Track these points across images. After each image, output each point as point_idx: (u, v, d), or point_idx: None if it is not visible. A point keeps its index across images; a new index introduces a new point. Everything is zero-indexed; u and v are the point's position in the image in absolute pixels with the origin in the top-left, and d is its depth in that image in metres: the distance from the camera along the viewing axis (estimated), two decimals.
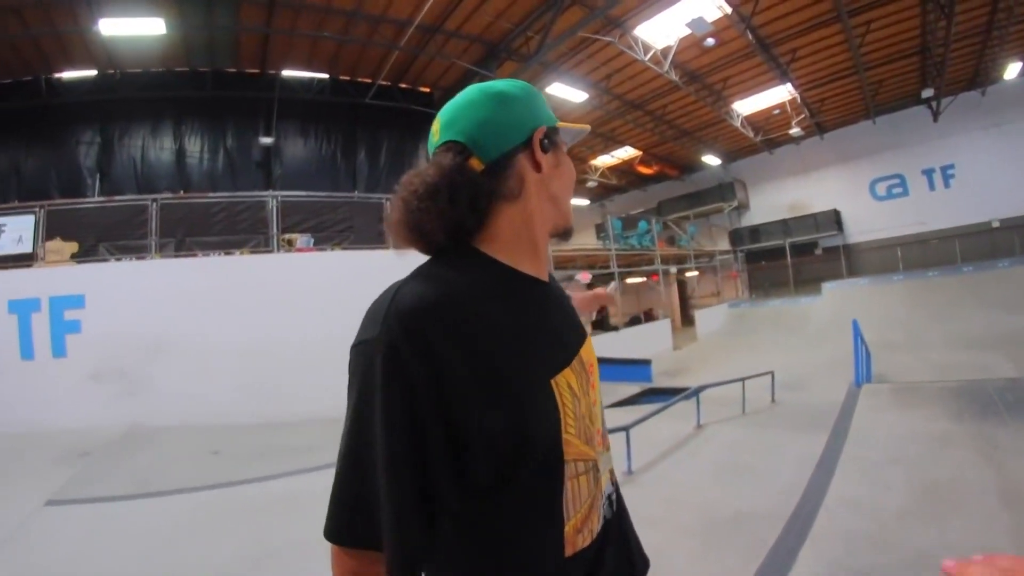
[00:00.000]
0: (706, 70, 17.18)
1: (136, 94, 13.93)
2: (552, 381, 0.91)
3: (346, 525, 0.84)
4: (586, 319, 1.75)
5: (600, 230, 23.83)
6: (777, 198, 25.76)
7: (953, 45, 15.46)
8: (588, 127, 1.15)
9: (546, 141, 1.03)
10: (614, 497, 1.08)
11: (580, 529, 0.94)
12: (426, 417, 0.80)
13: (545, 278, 1.07)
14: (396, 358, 0.80)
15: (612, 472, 1.11)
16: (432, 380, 0.80)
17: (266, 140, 15.07)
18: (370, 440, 0.82)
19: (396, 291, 0.87)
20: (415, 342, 0.80)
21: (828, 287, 20.96)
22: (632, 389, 11.36)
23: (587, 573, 0.96)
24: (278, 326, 9.12)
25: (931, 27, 14.73)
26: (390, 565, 0.81)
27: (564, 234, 1.10)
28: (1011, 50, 16.87)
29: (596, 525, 0.98)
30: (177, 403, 8.86)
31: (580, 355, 1.01)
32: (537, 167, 1.02)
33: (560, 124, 1.07)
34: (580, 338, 1.06)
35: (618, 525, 1.08)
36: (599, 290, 1.93)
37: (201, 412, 8.75)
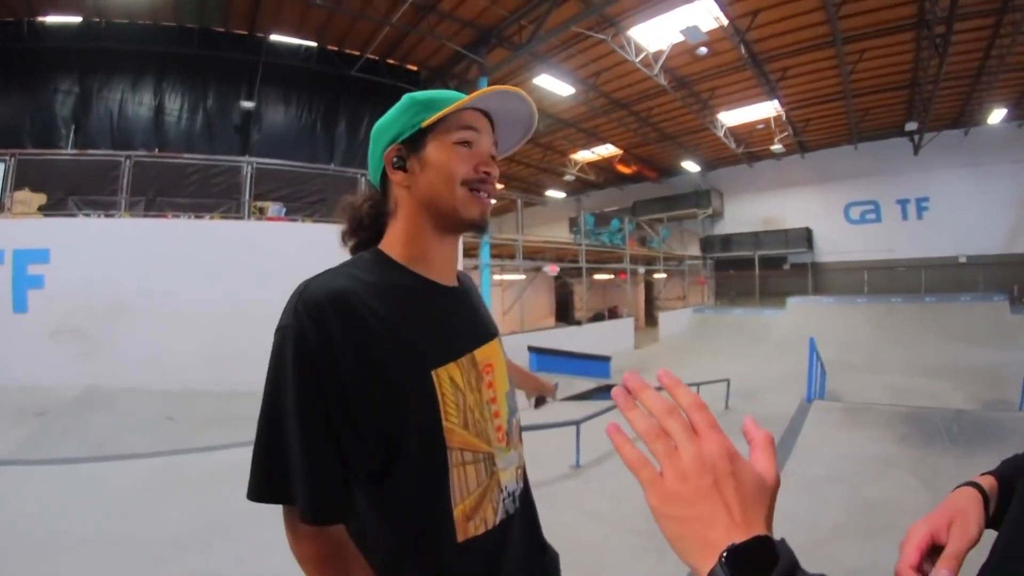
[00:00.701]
0: (695, 78, 17.27)
1: (120, 45, 13.47)
2: (432, 372, 1.01)
3: (266, 483, 0.94)
4: (528, 397, 1.99)
5: (573, 224, 23.91)
6: (752, 210, 26.11)
7: (943, 84, 15.84)
8: (504, 89, 1.13)
9: (396, 159, 1.13)
10: (518, 494, 1.18)
11: (471, 516, 1.05)
12: (327, 390, 0.92)
13: (447, 281, 1.18)
14: (303, 341, 0.92)
15: (520, 471, 1.22)
16: (330, 359, 0.92)
17: (247, 104, 14.74)
18: (285, 408, 0.92)
19: (306, 284, 0.99)
20: (317, 328, 0.93)
21: (793, 302, 21.40)
22: (589, 384, 11.48)
23: (486, 564, 1.08)
24: (244, 294, 9.00)
25: (923, 64, 15.03)
26: (302, 512, 0.91)
27: (468, 227, 1.14)
28: (998, 96, 17.39)
29: (492, 517, 1.09)
30: (137, 366, 8.77)
31: (474, 355, 1.12)
32: (400, 184, 1.14)
33: (442, 113, 1.10)
34: (480, 340, 1.16)
35: (524, 521, 1.20)
36: (547, 383, 2.07)
37: (161, 376, 8.69)
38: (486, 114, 1.18)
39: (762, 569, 0.48)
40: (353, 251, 1.21)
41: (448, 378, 1.04)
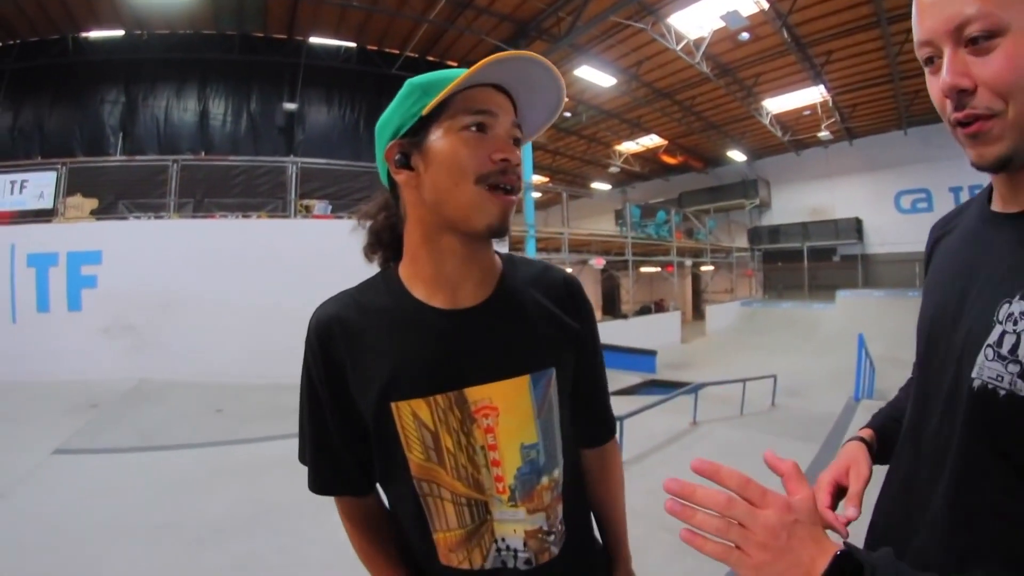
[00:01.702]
0: (738, 64, 16.98)
1: (162, 55, 13.99)
2: (392, 405, 0.97)
3: (301, 455, 1.11)
4: None
5: (619, 216, 23.75)
6: (800, 200, 25.56)
7: None
8: (508, 54, 0.92)
9: (399, 156, 0.99)
10: (526, 558, 1.03)
11: (453, 548, 1.01)
12: (318, 399, 1.03)
13: (464, 301, 1.03)
14: (308, 355, 1.02)
15: (543, 536, 1.04)
16: (318, 377, 1.01)
17: (290, 106, 15.06)
18: (303, 404, 1.06)
19: (317, 309, 1.04)
20: (309, 349, 1.02)
21: (842, 295, 20.88)
22: (634, 379, 11.40)
23: None
24: (290, 290, 9.05)
25: None
26: (308, 482, 1.09)
27: (484, 233, 0.97)
28: None
29: (479, 559, 1.01)
30: (186, 360, 9.06)
31: (463, 393, 0.98)
32: (406, 185, 1.01)
33: (443, 94, 0.93)
34: (481, 378, 0.99)
35: None
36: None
37: (209, 370, 8.93)
38: (504, 91, 1.00)
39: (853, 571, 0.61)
40: (383, 266, 1.12)
41: (411, 413, 0.97)
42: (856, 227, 23.55)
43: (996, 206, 0.87)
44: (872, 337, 8.96)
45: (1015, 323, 0.72)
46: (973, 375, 0.75)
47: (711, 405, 7.77)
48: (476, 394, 0.99)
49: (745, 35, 14.44)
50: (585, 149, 24.92)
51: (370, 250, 1.11)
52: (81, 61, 13.65)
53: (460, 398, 0.98)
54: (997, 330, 0.74)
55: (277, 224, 10.89)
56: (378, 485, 1.12)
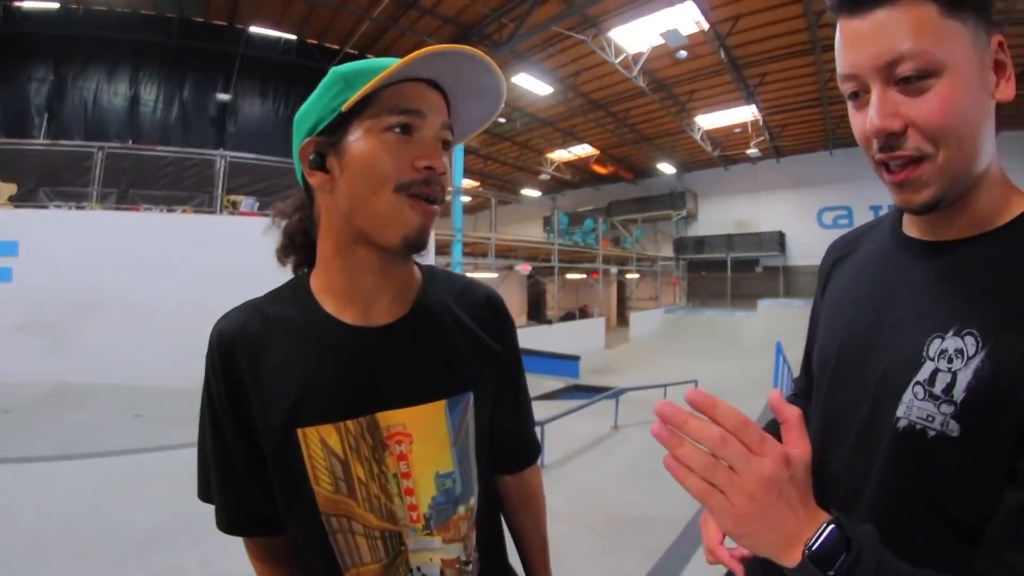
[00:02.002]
0: (674, 81, 17.42)
1: (97, 33, 13.21)
2: (299, 431, 0.88)
3: (202, 486, 0.98)
4: None
5: (547, 223, 24.05)
6: (726, 213, 26.45)
7: None
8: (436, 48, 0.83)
9: (314, 155, 0.90)
10: None
11: None
12: (220, 421, 0.92)
13: (378, 319, 0.95)
14: (209, 373, 0.92)
15: (460, 567, 0.98)
16: (219, 395, 0.91)
17: (223, 96, 14.64)
18: (204, 430, 0.95)
19: (218, 320, 0.94)
20: (211, 363, 0.91)
21: (764, 304, 21.63)
22: (557, 384, 11.57)
23: None
24: (215, 290, 8.77)
25: None
26: (216, 521, 0.96)
27: (401, 247, 0.88)
28: None
29: None
30: (107, 362, 8.64)
31: (375, 418, 0.91)
32: (320, 188, 0.92)
33: (366, 89, 0.83)
34: (396, 402, 0.92)
35: None
36: None
37: (129, 373, 8.56)
38: (437, 87, 0.91)
39: (841, 551, 0.59)
40: (296, 272, 1.03)
41: (319, 440, 0.89)
42: (779, 240, 24.48)
43: (912, 232, 0.85)
44: (791, 345, 9.31)
45: (950, 361, 0.69)
46: (899, 414, 0.73)
47: (633, 409, 7.98)
48: (389, 419, 0.91)
49: (683, 53, 14.88)
50: (518, 155, 25.08)
51: (283, 253, 1.02)
52: (10, 32, 12.65)
53: (372, 423, 0.90)
54: (928, 367, 0.71)
55: (203, 220, 10.53)
56: None
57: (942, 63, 0.67)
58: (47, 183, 10.11)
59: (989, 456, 0.65)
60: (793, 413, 0.67)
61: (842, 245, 1.02)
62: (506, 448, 1.12)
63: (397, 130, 0.85)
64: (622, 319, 26.39)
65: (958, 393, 0.67)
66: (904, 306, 0.78)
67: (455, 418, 0.96)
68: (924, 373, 0.71)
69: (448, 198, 15.59)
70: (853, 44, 0.73)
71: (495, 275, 20.10)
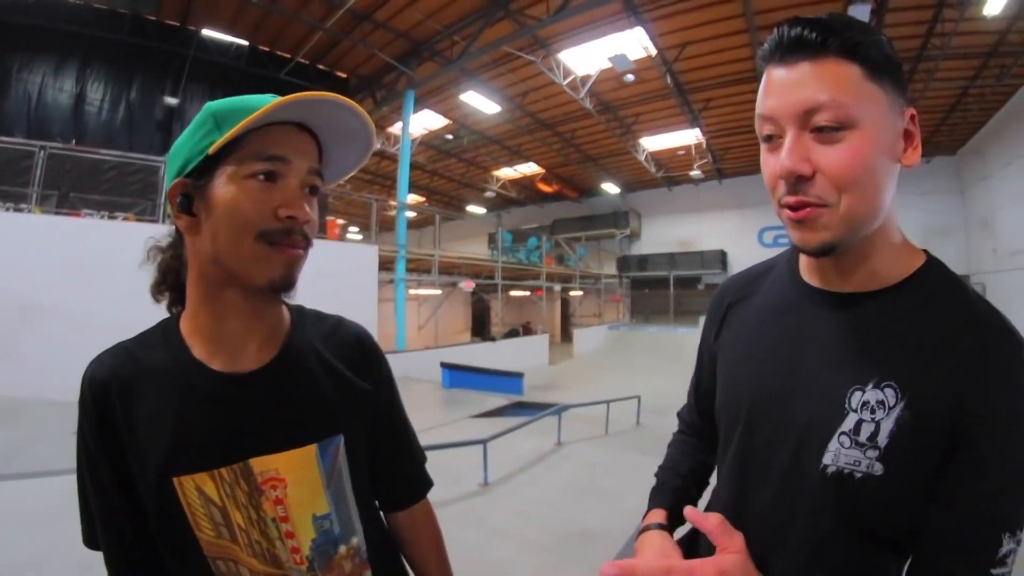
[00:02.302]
0: (620, 103, 17.79)
1: (46, 24, 12.47)
2: (175, 480, 0.86)
3: (86, 536, 0.95)
4: None
5: (491, 240, 24.15)
6: (669, 232, 27.00)
7: None
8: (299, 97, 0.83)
9: (181, 197, 0.87)
10: None
11: None
12: (105, 473, 0.89)
13: (246, 365, 0.94)
14: (83, 421, 0.90)
15: None
16: (101, 444, 0.88)
17: (171, 100, 14.19)
18: (83, 478, 0.92)
19: (89, 365, 0.92)
20: (92, 410, 0.88)
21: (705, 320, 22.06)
22: (501, 401, 11.58)
23: None
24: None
25: None
26: (106, 567, 0.93)
27: (266, 291, 0.88)
28: None
29: None
30: (43, 375, 8.09)
31: (248, 464, 0.90)
32: (186, 231, 0.90)
33: (232, 133, 0.82)
34: (267, 448, 0.91)
35: None
36: None
37: (67, 386, 8.04)
38: (307, 129, 0.91)
39: None
40: (170, 310, 1.01)
41: (195, 488, 0.87)
42: (721, 258, 25.01)
43: (813, 281, 0.90)
44: None
45: (872, 412, 0.76)
46: (827, 461, 0.79)
47: (577, 425, 8.04)
48: (262, 465, 0.90)
49: (630, 77, 15.27)
50: (464, 172, 25.21)
51: (156, 291, 1.00)
52: None
53: (245, 470, 0.89)
54: (852, 418, 0.78)
55: (145, 228, 10.07)
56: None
57: (856, 119, 0.73)
58: None
59: (911, 486, 0.75)
60: (713, 522, 0.80)
61: (737, 288, 1.08)
62: (390, 486, 1.14)
63: (261, 177, 0.84)
64: (566, 336, 26.66)
65: (882, 440, 0.75)
66: (817, 357, 0.84)
67: (327, 461, 0.96)
68: (848, 424, 0.78)
69: (393, 213, 15.64)
70: (777, 90, 0.78)
71: (439, 291, 20.05)
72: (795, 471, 0.83)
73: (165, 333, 0.95)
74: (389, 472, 1.12)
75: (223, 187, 0.84)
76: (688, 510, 0.82)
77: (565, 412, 7.87)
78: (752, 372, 0.93)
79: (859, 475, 0.76)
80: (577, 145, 21.49)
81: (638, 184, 26.76)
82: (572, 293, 26.58)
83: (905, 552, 0.80)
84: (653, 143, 20.92)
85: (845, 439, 0.78)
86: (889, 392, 0.76)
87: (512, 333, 23.53)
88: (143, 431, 0.87)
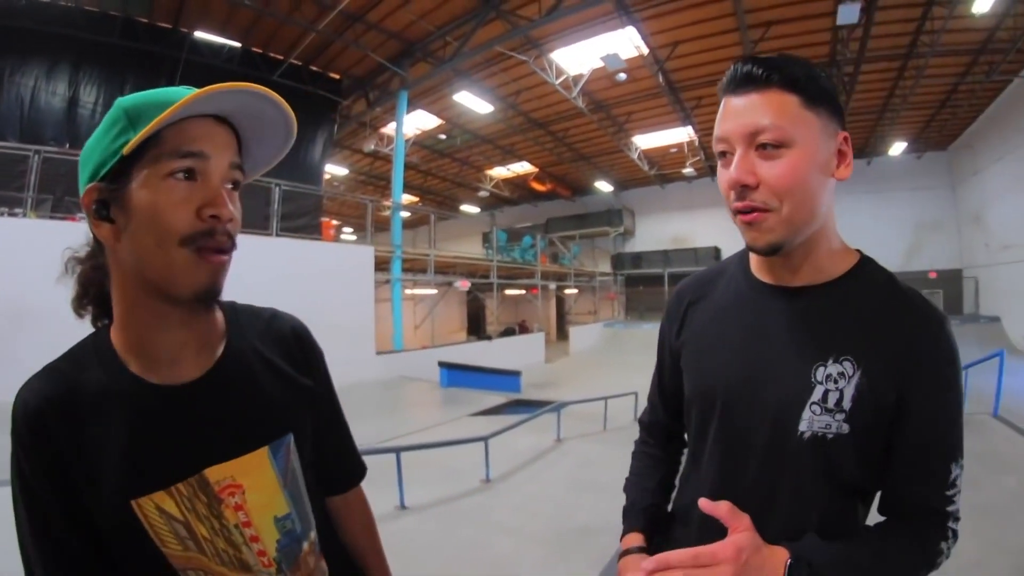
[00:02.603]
0: (613, 102, 17.87)
1: (38, 26, 12.34)
2: (134, 503, 0.83)
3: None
4: None
5: (486, 239, 24.19)
6: (662, 229, 27.09)
7: (849, 118, 17.05)
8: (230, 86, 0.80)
9: (97, 204, 0.82)
10: None
11: None
12: (47, 504, 0.83)
13: (183, 376, 0.90)
14: (19, 453, 0.83)
15: None
16: (43, 475, 0.82)
17: None
18: (20, 516, 0.85)
19: (20, 391, 0.87)
20: (28, 442, 0.83)
21: None
22: (499, 399, 11.63)
23: None
24: None
25: None
26: None
27: (192, 300, 0.84)
28: (899, 131, 19.37)
29: None
30: None
31: (204, 475, 0.87)
32: (105, 240, 0.85)
33: (144, 132, 0.76)
34: (219, 456, 0.89)
35: None
36: None
37: None
38: (226, 121, 0.86)
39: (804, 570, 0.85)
40: (95, 324, 0.97)
41: (155, 508, 0.84)
42: (715, 255, 24.95)
43: (764, 278, 1.04)
44: None
45: (835, 382, 0.92)
46: (802, 428, 0.93)
47: (575, 422, 8.09)
48: (217, 474, 0.88)
49: (622, 76, 15.33)
50: (457, 172, 25.28)
51: (78, 304, 0.96)
52: None
53: (202, 481, 0.87)
54: (819, 389, 0.93)
55: None
56: None
57: (793, 139, 0.89)
58: None
59: (872, 439, 0.93)
60: (723, 509, 0.91)
61: (694, 288, 1.19)
62: (328, 473, 1.12)
63: (180, 175, 0.80)
64: (562, 334, 26.65)
65: (846, 404, 0.91)
66: (779, 342, 0.99)
67: (280, 461, 0.95)
68: (817, 395, 0.93)
69: (388, 213, 15.66)
70: (729, 116, 0.94)
71: (435, 291, 20.08)
72: (775, 443, 0.96)
73: (97, 350, 0.90)
74: (327, 460, 1.11)
75: (141, 190, 0.79)
76: (703, 501, 0.93)
77: (563, 409, 7.92)
78: (720, 362, 1.05)
79: (831, 436, 0.92)
80: (570, 144, 21.58)
81: (631, 182, 26.90)
82: (567, 291, 26.62)
83: (868, 495, 0.99)
84: (646, 141, 21.04)
85: (816, 407, 0.93)
86: (847, 364, 0.92)
87: (508, 332, 23.59)
88: (90, 457, 0.83)
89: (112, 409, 0.84)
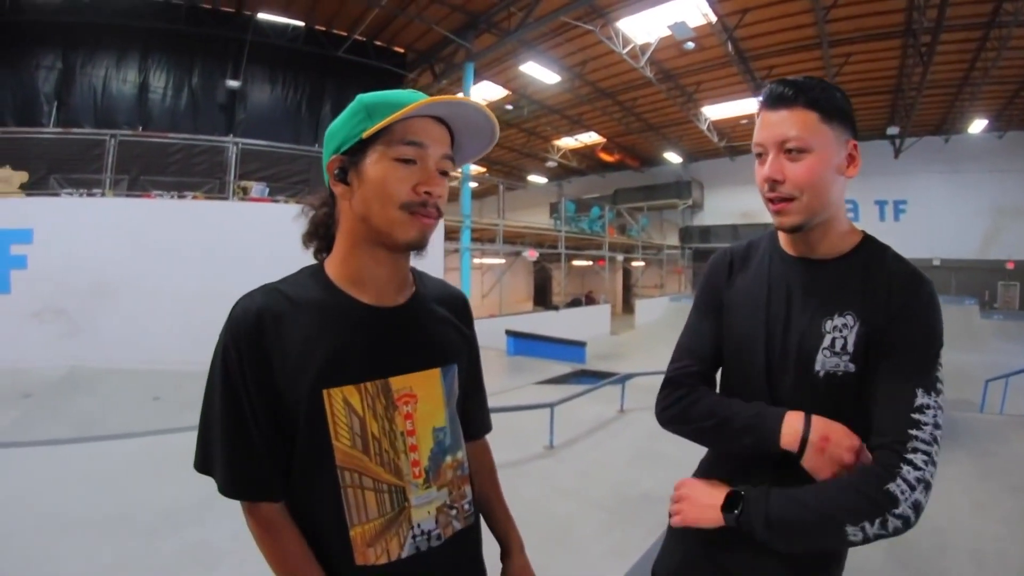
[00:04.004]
0: (681, 71, 17.53)
1: (104, 20, 12.98)
2: (324, 392, 1.02)
3: (201, 457, 1.07)
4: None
5: (553, 210, 24.15)
6: (731, 203, 26.32)
7: (926, 91, 16.39)
8: (446, 98, 1.05)
9: (339, 170, 1.08)
10: (436, 534, 1.14)
11: (371, 543, 1.06)
12: (239, 396, 1.01)
13: (386, 302, 1.14)
14: (224, 354, 1.02)
15: (447, 511, 1.16)
16: (241, 372, 1.01)
17: (233, 83, 14.50)
18: (214, 402, 1.04)
19: (238, 301, 1.06)
20: (234, 344, 1.01)
21: None
22: (564, 368, 11.69)
23: None
24: (226, 275, 8.48)
25: (908, 71, 15.43)
26: (220, 486, 1.05)
27: (404, 248, 1.10)
28: (980, 107, 18.14)
29: (397, 550, 1.08)
30: (120, 346, 8.77)
31: (388, 382, 1.09)
32: (341, 197, 1.10)
33: (382, 124, 1.02)
34: (403, 369, 1.11)
35: (450, 566, 1.17)
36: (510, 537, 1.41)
37: (144, 357, 8.67)
38: (443, 122, 1.11)
39: (738, 501, 1.16)
40: (316, 255, 1.21)
41: (342, 400, 1.04)
42: None
43: (792, 252, 1.30)
44: None
45: (840, 331, 1.17)
46: (817, 368, 1.18)
47: (638, 394, 8.04)
48: (399, 383, 1.10)
49: (690, 44, 14.91)
50: (524, 142, 25.21)
51: (308, 239, 1.20)
52: (17, 21, 12.36)
53: (386, 386, 1.08)
54: (828, 337, 1.18)
55: (214, 206, 10.64)
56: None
57: (812, 146, 1.15)
58: (58, 171, 10.12)
59: (869, 377, 1.15)
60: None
61: (739, 255, 1.44)
62: (470, 417, 1.34)
63: (405, 159, 1.04)
64: (627, 306, 26.55)
65: (850, 347, 1.16)
66: (802, 299, 1.25)
67: (448, 383, 1.18)
68: (827, 341, 1.19)
69: (457, 184, 15.92)
70: (765, 126, 1.20)
71: (503, 260, 20.21)
72: (800, 381, 1.21)
73: (314, 276, 1.13)
74: (471, 406, 1.34)
75: (374, 165, 1.05)
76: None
77: (628, 381, 7.93)
78: (760, 318, 1.29)
79: (840, 373, 1.17)
80: (638, 114, 21.24)
81: (700, 153, 26.33)
82: (634, 264, 26.41)
83: (860, 430, 1.15)
84: (715, 112, 20.57)
85: (827, 351, 1.18)
86: (849, 317, 1.18)
87: (574, 303, 23.61)
88: (298, 351, 1.03)
89: (324, 316, 1.07)
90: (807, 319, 1.22)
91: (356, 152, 1.06)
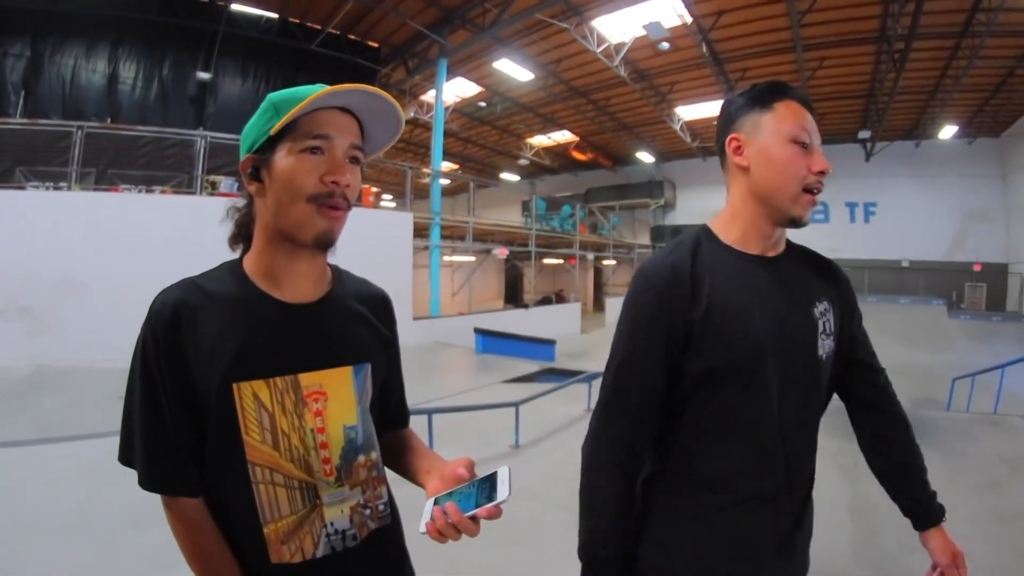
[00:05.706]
0: (655, 71, 17.67)
1: (75, 7, 12.63)
2: (234, 385, 1.03)
3: (123, 450, 1.08)
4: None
5: (525, 208, 24.20)
6: (703, 203, 26.47)
7: (898, 97, 16.72)
8: (345, 87, 1.06)
9: (251, 169, 1.10)
10: (352, 534, 1.15)
11: (284, 540, 1.07)
12: (156, 386, 1.03)
13: (299, 299, 1.15)
14: (142, 345, 1.05)
15: (361, 510, 1.17)
16: (157, 363, 1.03)
17: (203, 75, 14.36)
18: (134, 394, 1.06)
19: (158, 294, 1.09)
20: (151, 335, 1.04)
21: None
22: (532, 367, 11.71)
23: None
24: (195, 272, 8.70)
25: (881, 76, 15.79)
26: (138, 478, 1.06)
27: (312, 245, 1.10)
28: (950, 113, 18.59)
29: (311, 548, 1.10)
30: (85, 345, 8.60)
31: (297, 378, 1.09)
32: (255, 195, 1.13)
33: (286, 119, 1.04)
34: (313, 365, 1.12)
35: (368, 567, 1.18)
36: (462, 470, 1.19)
37: (109, 356, 8.24)
38: (350, 112, 1.12)
39: None
40: (242, 255, 1.21)
41: (252, 394, 1.05)
42: None
43: (750, 250, 1.32)
44: None
45: (824, 315, 1.32)
46: (820, 353, 1.29)
47: None
48: (308, 380, 1.10)
49: (665, 45, 15.04)
50: (497, 139, 25.28)
51: (232, 241, 1.22)
52: None
53: (295, 382, 1.08)
54: (821, 322, 1.30)
55: (183, 201, 10.47)
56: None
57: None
58: (24, 163, 9.94)
59: (842, 349, 1.39)
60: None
61: (685, 268, 1.26)
62: (390, 413, 1.35)
63: (311, 151, 1.06)
64: (598, 305, 26.64)
65: (832, 329, 1.33)
66: (784, 294, 1.29)
67: (359, 382, 1.18)
68: (820, 326, 1.30)
69: (427, 180, 15.86)
70: (808, 121, 1.30)
71: (472, 258, 20.19)
72: (808, 369, 1.29)
73: (231, 271, 1.15)
74: (388, 403, 1.34)
75: (282, 160, 1.06)
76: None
77: (595, 379, 7.96)
78: (755, 319, 1.24)
79: (830, 352, 1.33)
80: (611, 113, 21.37)
81: (673, 153, 26.55)
82: (605, 262, 26.54)
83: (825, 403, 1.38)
84: (688, 112, 20.75)
85: (823, 336, 1.30)
86: (826, 303, 1.33)
87: (545, 301, 23.66)
88: (210, 345, 1.04)
89: (237, 311, 1.08)
90: (800, 309, 1.31)
91: (266, 150, 1.08)
